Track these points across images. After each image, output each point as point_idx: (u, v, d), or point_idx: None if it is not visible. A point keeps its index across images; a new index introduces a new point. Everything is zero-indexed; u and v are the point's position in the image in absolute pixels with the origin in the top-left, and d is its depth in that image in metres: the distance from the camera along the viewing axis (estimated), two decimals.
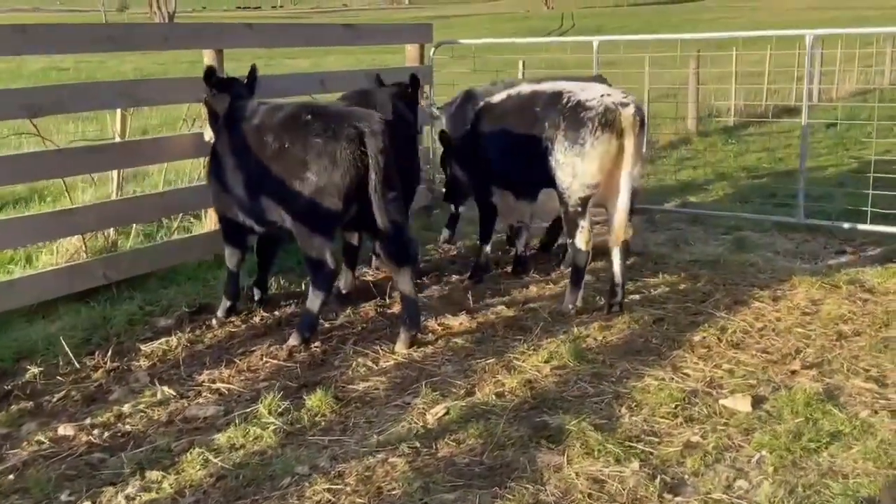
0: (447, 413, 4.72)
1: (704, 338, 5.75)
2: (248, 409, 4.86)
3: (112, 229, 7.06)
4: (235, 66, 7.18)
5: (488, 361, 5.42)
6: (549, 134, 6.02)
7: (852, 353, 5.42)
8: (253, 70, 6.40)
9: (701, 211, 9.22)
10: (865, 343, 5.56)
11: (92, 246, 6.85)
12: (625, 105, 5.78)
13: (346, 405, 4.91)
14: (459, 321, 6.16)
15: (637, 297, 6.60)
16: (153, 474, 4.21)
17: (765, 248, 7.95)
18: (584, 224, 6.06)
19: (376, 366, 5.46)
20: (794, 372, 5.17)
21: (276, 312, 6.48)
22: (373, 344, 5.78)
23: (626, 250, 6.20)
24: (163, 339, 5.95)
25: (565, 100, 5.98)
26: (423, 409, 4.80)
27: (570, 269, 6.44)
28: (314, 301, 5.76)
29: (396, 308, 6.45)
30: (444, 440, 4.44)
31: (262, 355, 5.66)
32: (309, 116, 5.54)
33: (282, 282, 7.07)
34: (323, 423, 4.71)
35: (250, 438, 4.53)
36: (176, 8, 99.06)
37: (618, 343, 5.72)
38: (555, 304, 6.45)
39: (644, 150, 5.98)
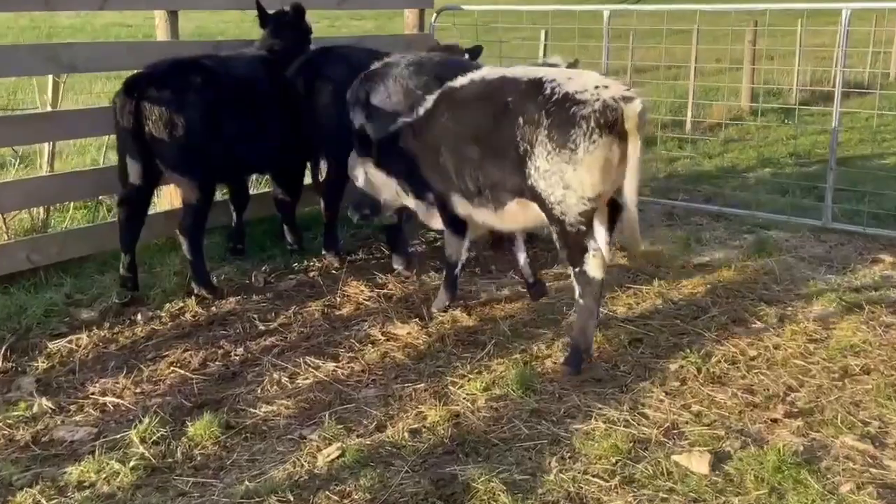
0: (341, 455, 3.99)
1: (682, 367, 4.90)
2: (122, 435, 4.19)
3: (42, 209, 6.42)
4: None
5: (417, 387, 4.67)
6: (526, 134, 4.75)
7: (853, 399, 4.53)
8: None
9: (712, 207, 8.23)
10: (873, 385, 4.65)
11: (17, 227, 6.22)
12: (629, 100, 4.50)
13: (235, 434, 4.23)
14: (407, 330, 5.42)
15: (621, 308, 5.75)
16: None
17: (789, 252, 6.99)
18: (593, 245, 4.75)
19: (291, 384, 4.75)
20: (774, 421, 4.31)
21: (213, 309, 5.79)
22: (297, 356, 5.08)
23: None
24: (74, 336, 5.32)
25: (548, 91, 4.67)
26: (319, 446, 4.07)
27: (577, 305, 4.93)
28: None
29: (346, 310, 5.75)
30: (325, 492, 3.72)
31: (171, 363, 5.01)
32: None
33: (231, 272, 6.37)
34: (198, 458, 4.04)
35: (104, 476, 3.87)
36: None
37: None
38: (526, 313, 5.65)
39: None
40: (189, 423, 4.26)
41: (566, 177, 4.59)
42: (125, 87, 5.47)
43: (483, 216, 5.34)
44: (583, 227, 4.69)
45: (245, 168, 6.43)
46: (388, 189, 5.74)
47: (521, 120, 4.73)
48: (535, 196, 4.78)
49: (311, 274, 6.47)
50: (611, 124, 4.45)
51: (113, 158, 6.40)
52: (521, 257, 5.78)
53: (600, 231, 4.93)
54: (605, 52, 7.92)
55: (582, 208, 4.65)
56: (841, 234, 7.36)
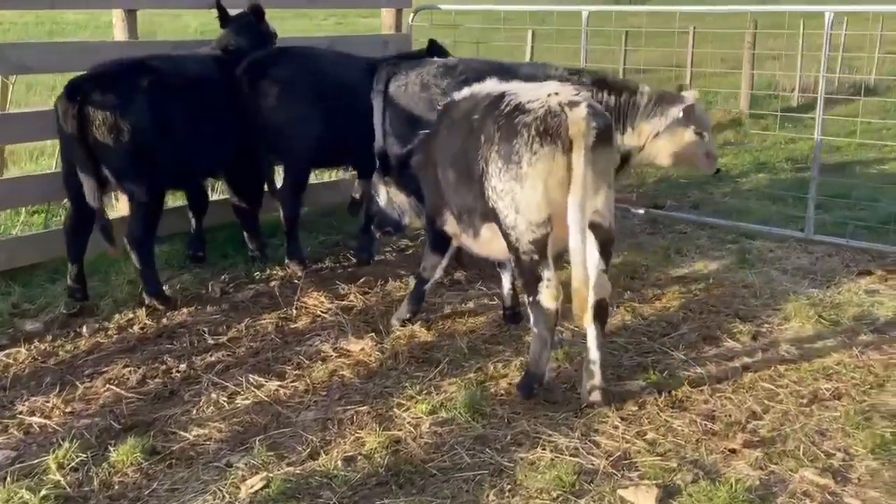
0: (266, 486, 3.75)
1: (642, 389, 4.64)
2: (40, 459, 3.96)
3: None
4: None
5: (360, 409, 4.43)
6: (484, 152, 4.44)
7: (820, 427, 4.26)
8: None
9: (690, 216, 7.94)
10: (842, 412, 4.38)
11: None
12: (574, 105, 4.11)
13: (160, 461, 4.00)
14: (361, 346, 5.18)
15: None
16: None
17: (772, 264, 6.72)
18: (548, 275, 4.35)
19: (229, 405, 4.52)
20: (733, 451, 4.04)
21: (164, 320, 5.57)
22: (242, 373, 4.84)
23: (603, 317, 4.46)
24: (13, 350, 5.11)
25: (505, 103, 4.38)
26: (245, 475, 3.83)
27: (531, 333, 4.58)
28: None
29: (301, 323, 5.53)
30: None
31: (109, 380, 4.79)
32: None
33: (187, 282, 6.15)
34: (116, 487, 3.81)
35: None
36: None
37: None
38: (488, 328, 5.41)
39: (611, 169, 4.39)
40: (112, 448, 4.02)
41: (516, 198, 4.25)
42: (67, 91, 5.24)
43: (465, 241, 5.11)
44: (535, 256, 4.31)
45: (198, 173, 6.18)
46: (409, 209, 5.60)
47: (482, 137, 4.45)
48: (496, 220, 4.47)
49: (272, 284, 6.23)
50: (553, 132, 4.08)
51: None
52: (506, 284, 5.46)
53: (592, 256, 4.34)
54: (583, 55, 7.65)
55: (531, 235, 4.27)
56: (828, 245, 7.07)
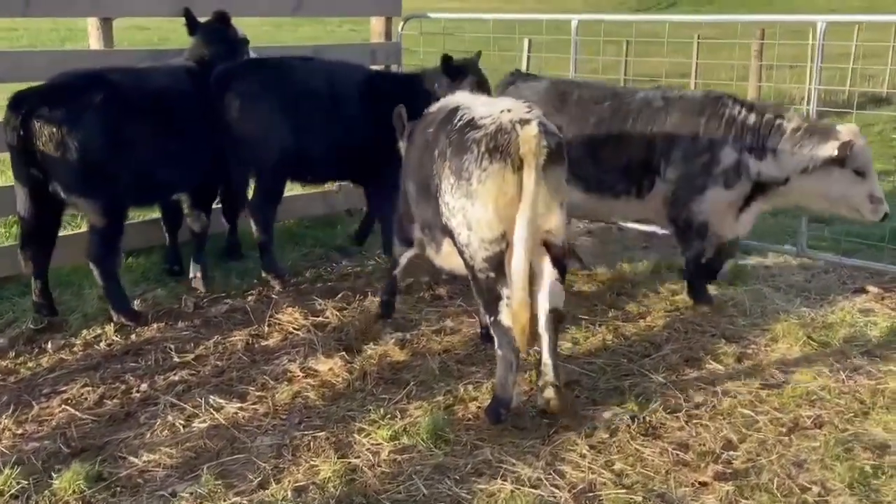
0: None
1: (615, 416, 4.44)
2: None
3: None
4: None
5: (318, 434, 4.25)
6: (438, 168, 4.37)
7: (797, 458, 4.06)
8: None
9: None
10: (822, 442, 4.17)
11: None
12: (525, 122, 4.00)
13: (104, 489, 3.84)
14: (329, 366, 5.01)
15: (567, 344, 5.30)
16: None
17: (765, 281, 6.50)
18: (506, 293, 4.14)
19: (184, 428, 4.36)
20: (703, 484, 3.85)
21: (132, 336, 5.43)
22: (203, 394, 4.69)
23: (556, 326, 4.33)
24: None
25: (458, 118, 4.31)
26: None
27: (496, 355, 4.39)
28: None
29: (272, 340, 5.36)
30: None
31: (66, 400, 4.64)
32: None
33: (160, 296, 6.00)
34: None
35: None
36: None
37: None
38: (463, 348, 5.24)
39: (563, 188, 4.20)
40: (55, 475, 3.87)
41: (468, 215, 4.14)
42: (11, 102, 5.08)
43: (429, 254, 5.01)
44: (491, 274, 4.17)
45: (162, 190, 5.98)
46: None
47: (436, 152, 4.34)
48: (450, 236, 4.37)
49: (249, 298, 6.07)
50: (503, 150, 3.96)
51: None
52: None
53: (546, 270, 4.26)
54: (572, 65, 7.45)
55: (484, 253, 4.15)
56: (825, 261, 6.84)
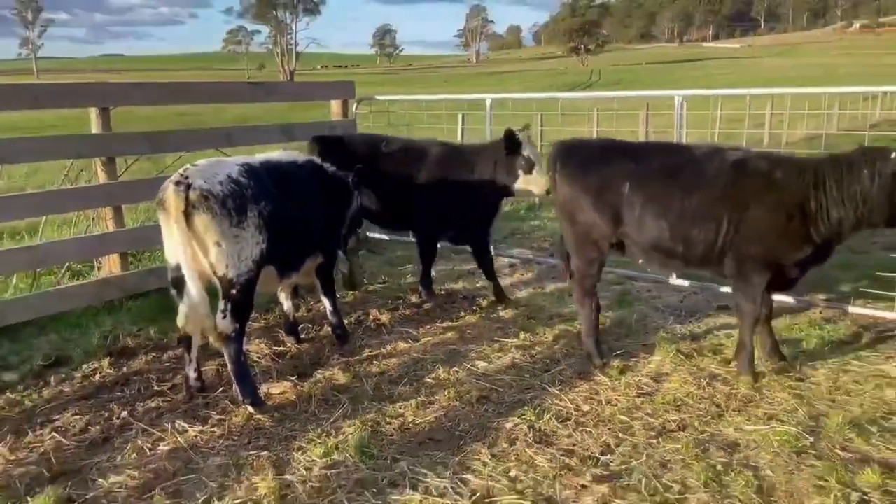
0: None
1: (516, 425, 4.04)
2: None
3: None
4: None
5: (262, 454, 3.81)
6: None
7: (663, 459, 3.66)
8: None
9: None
10: (684, 443, 3.77)
11: None
12: (171, 182, 3.94)
13: None
14: (282, 389, 4.56)
15: (482, 363, 4.89)
16: None
17: (647, 302, 6.12)
18: (181, 304, 4.15)
19: (150, 451, 3.90)
20: (584, 486, 3.43)
21: (123, 369, 4.96)
22: (173, 419, 4.23)
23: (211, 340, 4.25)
24: None
25: None
26: None
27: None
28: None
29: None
30: None
31: (56, 428, 4.17)
32: None
33: (151, 333, 5.51)
34: None
35: None
36: (296, 67, 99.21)
37: (423, 428, 4.05)
38: (398, 370, 4.82)
39: (219, 237, 3.99)
40: (31, 499, 3.40)
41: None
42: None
43: None
44: (173, 291, 4.19)
45: None
46: None
47: None
48: None
49: None
50: (161, 204, 3.97)
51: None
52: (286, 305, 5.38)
53: (202, 297, 3.99)
54: (488, 133, 7.10)
55: (171, 274, 4.14)
56: (696, 279, 6.49)
